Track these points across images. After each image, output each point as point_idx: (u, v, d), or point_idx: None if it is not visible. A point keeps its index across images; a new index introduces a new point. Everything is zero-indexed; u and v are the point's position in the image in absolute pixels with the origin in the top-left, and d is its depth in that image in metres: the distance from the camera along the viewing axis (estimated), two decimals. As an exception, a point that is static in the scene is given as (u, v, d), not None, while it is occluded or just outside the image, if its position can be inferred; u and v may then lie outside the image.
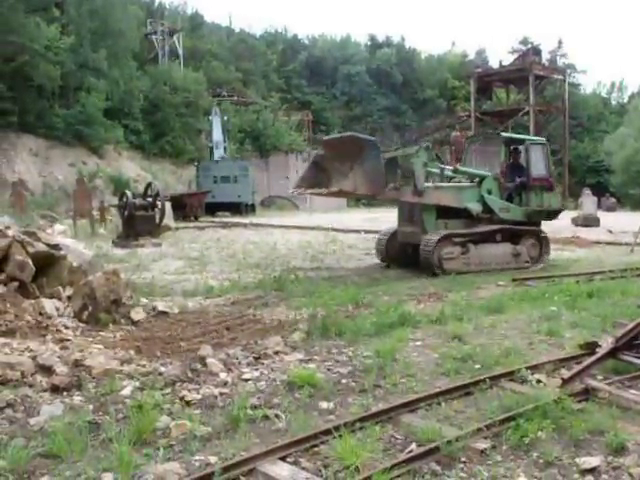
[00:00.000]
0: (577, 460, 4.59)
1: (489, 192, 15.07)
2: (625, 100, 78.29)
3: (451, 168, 15.57)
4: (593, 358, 6.45)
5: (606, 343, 6.92)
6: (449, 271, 13.62)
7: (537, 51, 62.00)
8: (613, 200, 47.73)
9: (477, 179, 15.32)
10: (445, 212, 14.67)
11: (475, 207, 14.83)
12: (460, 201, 14.80)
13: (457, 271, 13.68)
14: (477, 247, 14.41)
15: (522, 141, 16.30)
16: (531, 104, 55.37)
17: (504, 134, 17.86)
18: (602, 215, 30.88)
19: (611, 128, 64.59)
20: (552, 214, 16.23)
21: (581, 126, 67.08)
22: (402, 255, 15.24)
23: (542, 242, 15.54)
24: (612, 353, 6.61)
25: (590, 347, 7.00)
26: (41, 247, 9.31)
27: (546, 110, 59.22)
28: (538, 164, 15.67)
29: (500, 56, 69.27)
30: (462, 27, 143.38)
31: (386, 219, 29.97)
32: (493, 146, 17.07)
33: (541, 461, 4.62)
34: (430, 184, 14.60)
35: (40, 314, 8.11)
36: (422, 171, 14.02)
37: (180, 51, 54.76)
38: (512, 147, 16.06)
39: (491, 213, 14.99)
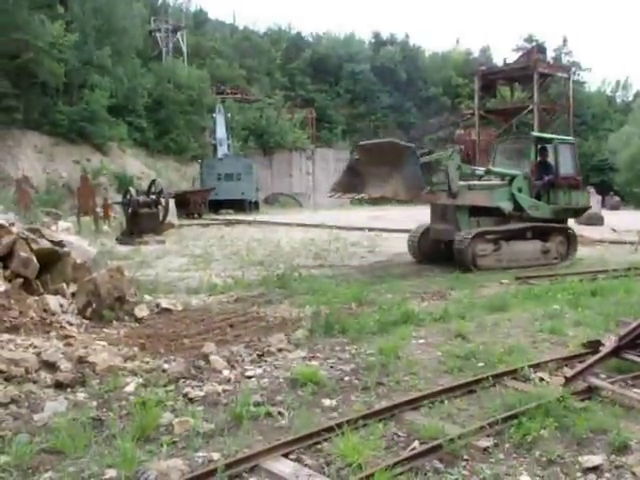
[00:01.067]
0: (580, 459, 4.60)
1: (519, 190, 15.38)
2: (630, 98, 77.91)
3: (483, 169, 15.94)
4: (596, 357, 6.45)
5: (609, 342, 6.92)
6: (482, 267, 14.06)
7: (542, 49, 61.75)
8: (617, 199, 47.62)
9: (507, 178, 15.61)
10: (477, 210, 15.02)
11: (506, 206, 15.19)
12: (492, 200, 15.15)
13: (489, 267, 14.14)
14: (508, 244, 14.74)
15: (551, 140, 16.58)
16: (535, 102, 55.16)
17: (534, 133, 18.13)
18: (606, 214, 30.80)
19: (616, 126, 64.28)
20: (579, 212, 16.76)
21: (585, 124, 66.90)
22: (434, 252, 15.59)
23: (570, 239, 15.82)
24: (615, 352, 6.61)
25: (593, 346, 7.00)
26: (45, 244, 9.35)
27: (550, 108, 59.02)
28: (566, 163, 16.05)
29: (504, 54, 69.41)
30: (466, 25, 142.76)
31: (390, 217, 30.08)
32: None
33: (543, 459, 4.63)
34: (463, 183, 14.89)
35: (44, 311, 8.14)
36: (456, 173, 14.32)
37: (184, 48, 54.66)
38: (540, 146, 16.28)
39: (521, 211, 15.32)
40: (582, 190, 16.80)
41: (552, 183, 15.76)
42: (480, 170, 15.95)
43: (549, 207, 15.64)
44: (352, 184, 14.52)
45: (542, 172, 15.87)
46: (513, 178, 15.42)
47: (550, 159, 15.99)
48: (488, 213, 15.12)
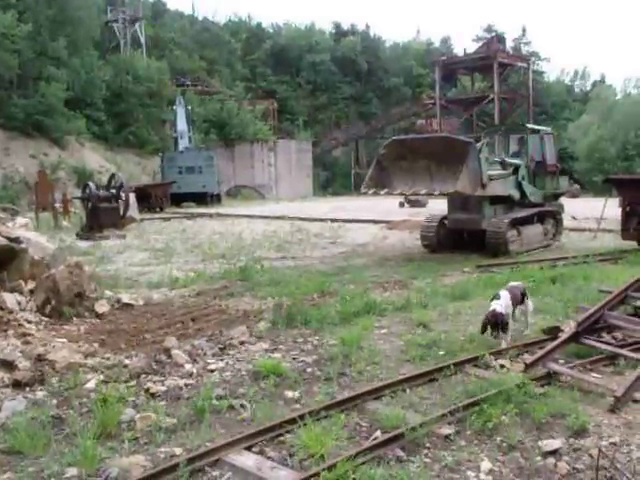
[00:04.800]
0: (539, 443, 4.68)
1: (523, 179, 16.24)
2: (588, 88, 79.24)
3: (499, 160, 16.53)
4: (555, 343, 6.55)
5: (568, 328, 7.03)
6: (513, 252, 14.72)
7: (501, 39, 62.42)
8: (577, 187, 48.29)
9: (512, 167, 16.27)
10: (494, 199, 15.60)
11: (515, 193, 16.04)
12: (506, 189, 15.77)
13: (517, 252, 14.89)
14: (525, 229, 15.57)
15: (537, 131, 17.79)
16: (496, 92, 55.77)
17: (529, 125, 19.47)
18: (565, 201, 31.19)
19: (574, 115, 65.34)
20: (559, 196, 18.02)
21: (545, 113, 67.80)
22: (453, 241, 15.95)
23: (557, 221, 17.11)
24: (574, 337, 6.73)
25: (553, 332, 7.11)
26: (1, 241, 9.17)
27: (510, 98, 59.69)
28: (551, 152, 17.36)
29: (465, 44, 69.59)
30: (427, 15, 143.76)
31: (350, 208, 30.17)
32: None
33: (504, 445, 4.70)
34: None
35: (1, 309, 7.99)
36: (486, 165, 14.62)
37: (142, 40, 53.98)
38: (519, 136, 17.34)
39: (524, 198, 16.18)
40: (562, 176, 18.11)
41: (534, 171, 16.70)
42: (496, 160, 16.65)
43: (540, 192, 16.70)
44: (381, 178, 14.68)
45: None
46: (517, 168, 16.12)
47: (530, 148, 16.85)
48: (500, 201, 15.72)
